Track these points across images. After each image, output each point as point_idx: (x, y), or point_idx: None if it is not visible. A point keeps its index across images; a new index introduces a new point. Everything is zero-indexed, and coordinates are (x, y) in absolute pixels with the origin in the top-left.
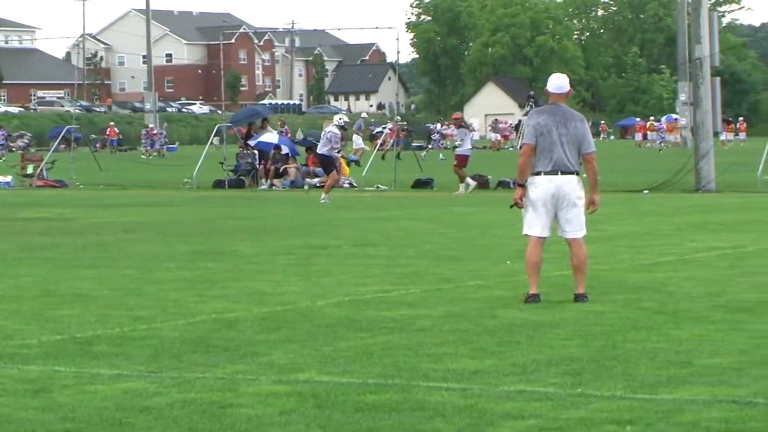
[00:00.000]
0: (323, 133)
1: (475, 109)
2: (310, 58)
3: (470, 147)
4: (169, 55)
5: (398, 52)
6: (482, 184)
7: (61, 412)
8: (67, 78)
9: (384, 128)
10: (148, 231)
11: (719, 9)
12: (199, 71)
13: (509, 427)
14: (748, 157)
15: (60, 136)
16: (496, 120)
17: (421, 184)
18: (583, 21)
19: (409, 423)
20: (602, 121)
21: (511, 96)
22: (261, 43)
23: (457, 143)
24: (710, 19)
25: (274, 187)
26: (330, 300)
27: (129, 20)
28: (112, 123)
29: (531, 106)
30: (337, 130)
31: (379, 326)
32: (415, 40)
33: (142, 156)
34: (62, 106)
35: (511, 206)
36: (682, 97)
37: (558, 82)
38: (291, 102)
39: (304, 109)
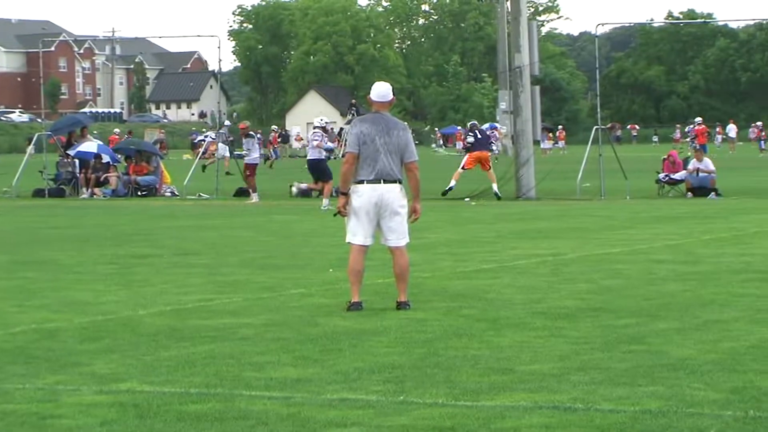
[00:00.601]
0: (308, 140)
1: (297, 117)
2: (131, 66)
3: (258, 155)
4: None
5: (220, 61)
6: (304, 192)
7: None
8: None
9: (206, 137)
10: None
11: (538, 18)
12: (18, 79)
13: None
14: (568, 165)
15: None
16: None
17: (242, 193)
18: (405, 29)
19: None
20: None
21: (333, 104)
22: (81, 51)
23: (244, 152)
24: (530, 28)
25: (95, 196)
26: (151, 309)
27: None
28: None
29: (353, 115)
30: (320, 132)
31: (201, 335)
32: (237, 48)
33: None
34: None
35: (335, 215)
36: (503, 105)
37: (381, 91)
38: (112, 110)
39: (125, 117)
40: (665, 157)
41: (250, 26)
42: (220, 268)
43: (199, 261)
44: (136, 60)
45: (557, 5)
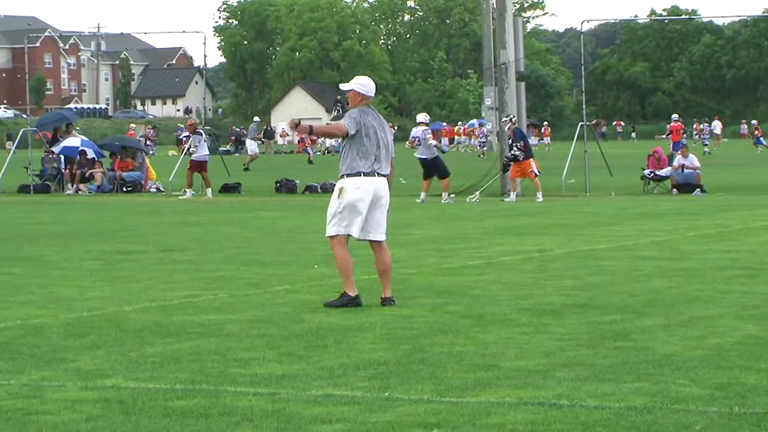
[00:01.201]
0: (416, 139)
1: (282, 113)
2: (117, 62)
3: (206, 153)
4: None
5: (205, 56)
6: (290, 188)
7: None
8: None
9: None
10: None
11: (524, 14)
12: (4, 75)
13: None
14: (553, 161)
15: None
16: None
17: (228, 189)
18: (390, 26)
19: (217, 428)
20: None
21: (318, 100)
22: (67, 47)
23: (191, 149)
24: (515, 24)
25: (80, 192)
26: (137, 305)
27: None
28: None
29: (338, 111)
30: (417, 133)
31: (187, 331)
32: (223, 44)
33: None
34: None
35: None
36: (488, 101)
37: (371, 86)
38: (97, 106)
39: (110, 113)
40: (650, 153)
41: (236, 22)
42: (205, 265)
43: (185, 257)
44: (122, 56)
45: (542, 2)
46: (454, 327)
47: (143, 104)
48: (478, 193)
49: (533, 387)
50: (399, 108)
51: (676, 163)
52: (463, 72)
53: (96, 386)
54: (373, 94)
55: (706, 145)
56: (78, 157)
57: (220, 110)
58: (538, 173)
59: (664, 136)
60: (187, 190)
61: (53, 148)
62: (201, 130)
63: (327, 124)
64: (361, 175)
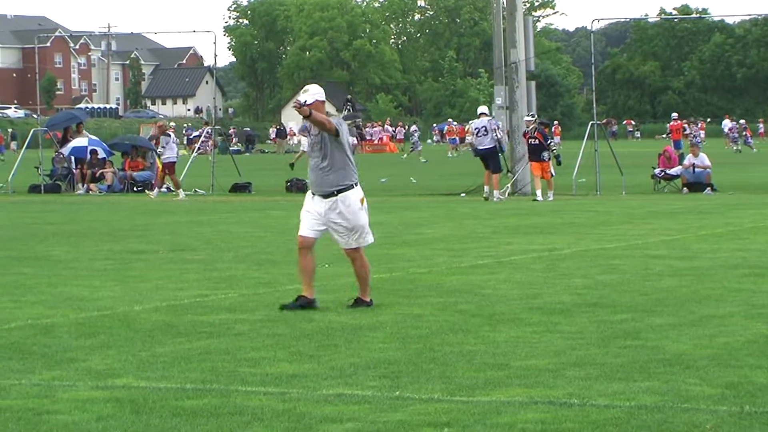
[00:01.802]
0: (476, 130)
1: (292, 113)
2: (127, 62)
3: (175, 155)
4: None
5: (215, 56)
6: (300, 188)
7: None
8: None
9: (201, 132)
10: None
11: (534, 14)
12: (14, 75)
13: (327, 431)
14: (564, 160)
15: None
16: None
17: (238, 188)
18: (400, 25)
19: (228, 428)
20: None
21: (328, 100)
22: (77, 47)
23: (159, 151)
24: (525, 23)
25: (90, 192)
26: (147, 305)
27: None
28: None
29: (348, 110)
30: (486, 123)
31: (197, 331)
32: (233, 43)
33: None
34: None
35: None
36: (498, 101)
37: (323, 92)
38: (107, 106)
39: (120, 113)
40: (661, 152)
41: (246, 22)
42: (215, 264)
43: (195, 257)
44: (132, 56)
45: (553, 1)
46: (464, 326)
47: (154, 104)
48: (508, 185)
49: (544, 386)
50: (409, 107)
51: (686, 162)
52: (474, 71)
53: (107, 386)
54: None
55: (698, 143)
56: (89, 156)
57: (230, 110)
58: (554, 174)
59: (664, 136)
60: (181, 190)
61: (62, 150)
62: (170, 132)
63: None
64: (358, 184)
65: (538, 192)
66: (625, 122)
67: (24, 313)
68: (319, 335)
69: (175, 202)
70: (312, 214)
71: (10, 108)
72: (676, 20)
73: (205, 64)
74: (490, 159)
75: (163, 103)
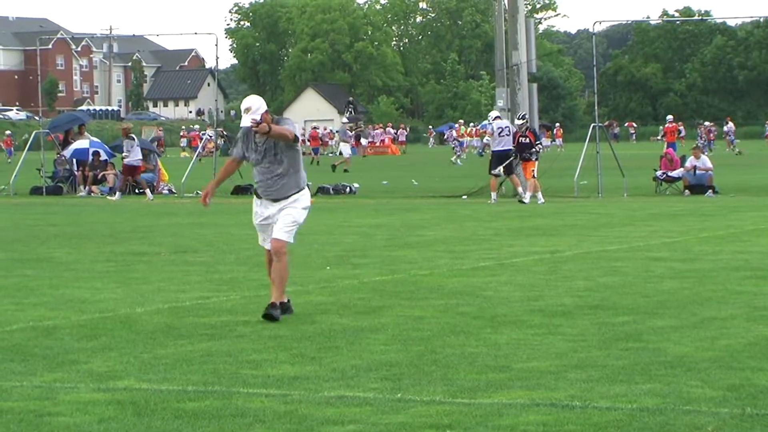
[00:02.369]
0: (499, 130)
1: (294, 115)
2: (129, 64)
3: (139, 158)
4: None
5: (217, 58)
6: None
7: None
8: None
9: (204, 134)
10: None
11: (536, 16)
12: (16, 77)
13: None
14: (566, 162)
15: None
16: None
17: (240, 191)
18: (402, 27)
19: (229, 429)
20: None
21: (330, 102)
22: (79, 49)
23: (124, 154)
24: (527, 25)
25: (92, 194)
26: (149, 307)
27: None
28: None
29: (351, 112)
30: (508, 124)
31: (199, 333)
32: (234, 45)
33: None
34: None
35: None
36: (500, 103)
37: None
38: (109, 108)
39: (122, 115)
40: (662, 154)
41: (248, 24)
42: (217, 266)
43: (197, 259)
44: (134, 58)
45: (554, 3)
46: (465, 328)
47: (155, 106)
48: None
49: (545, 388)
50: (411, 109)
51: (688, 164)
52: (476, 73)
53: (108, 388)
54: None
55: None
56: (90, 158)
57: (232, 112)
58: (535, 175)
59: (658, 138)
60: (148, 190)
61: (64, 152)
62: (133, 135)
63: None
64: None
65: (531, 194)
66: (626, 124)
67: (26, 315)
68: (320, 337)
69: (110, 201)
70: (265, 224)
71: (12, 110)
72: (677, 22)
73: (207, 66)
74: (506, 160)
75: (165, 105)
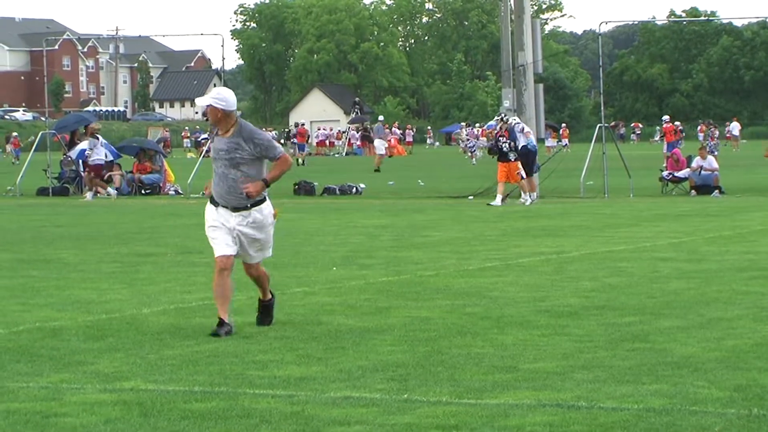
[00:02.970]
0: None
1: (300, 115)
2: (135, 65)
3: (102, 158)
4: None
5: (223, 59)
6: (308, 190)
7: None
8: None
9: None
10: None
11: (542, 16)
12: (22, 78)
13: None
14: (572, 163)
15: None
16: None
17: None
18: (408, 28)
19: (236, 430)
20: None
21: (336, 102)
22: (85, 50)
23: (87, 153)
24: (533, 26)
25: (98, 195)
26: (155, 308)
27: None
28: None
29: (357, 113)
30: (520, 124)
31: (205, 334)
32: (240, 46)
33: None
34: None
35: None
36: (506, 103)
37: (232, 99)
38: (115, 109)
39: (128, 116)
40: (668, 155)
41: (254, 25)
42: None
43: (203, 259)
44: (140, 58)
45: (560, 3)
46: (472, 329)
47: (161, 107)
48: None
49: (552, 389)
50: (417, 110)
51: (694, 164)
52: (482, 74)
53: (115, 389)
54: (234, 108)
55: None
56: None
57: (238, 112)
58: (523, 176)
59: (657, 139)
60: (113, 189)
61: (70, 153)
62: (98, 135)
63: (279, 170)
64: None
65: (499, 197)
66: (633, 125)
67: (32, 316)
68: (326, 338)
69: (84, 201)
70: (223, 229)
71: (19, 111)
72: (684, 23)
73: (213, 67)
74: (525, 159)
75: (171, 106)
